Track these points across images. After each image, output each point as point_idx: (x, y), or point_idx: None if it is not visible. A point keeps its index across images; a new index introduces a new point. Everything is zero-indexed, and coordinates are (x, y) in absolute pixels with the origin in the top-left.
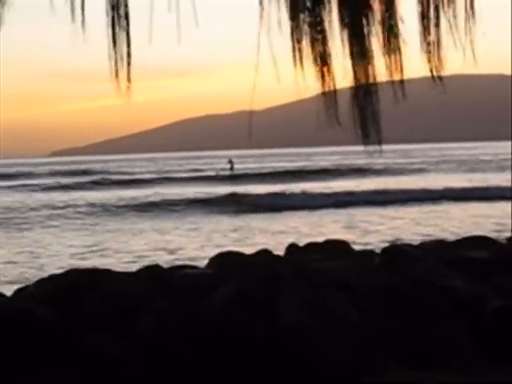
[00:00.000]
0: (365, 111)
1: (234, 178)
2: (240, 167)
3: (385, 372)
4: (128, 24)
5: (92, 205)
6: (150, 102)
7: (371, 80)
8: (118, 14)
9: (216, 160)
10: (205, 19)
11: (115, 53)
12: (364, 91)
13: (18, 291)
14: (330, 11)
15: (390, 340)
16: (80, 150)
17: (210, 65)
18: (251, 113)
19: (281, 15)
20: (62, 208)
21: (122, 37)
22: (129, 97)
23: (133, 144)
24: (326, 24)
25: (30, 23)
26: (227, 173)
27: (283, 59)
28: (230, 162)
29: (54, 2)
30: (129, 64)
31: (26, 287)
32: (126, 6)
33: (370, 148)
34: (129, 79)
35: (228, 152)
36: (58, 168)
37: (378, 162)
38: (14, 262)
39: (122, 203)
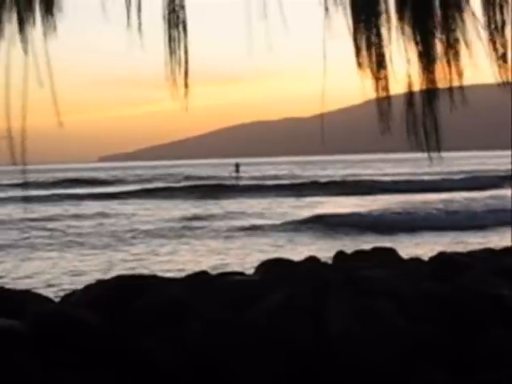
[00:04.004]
0: (425, 117)
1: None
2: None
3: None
4: (185, 30)
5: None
6: (197, 108)
7: (433, 85)
8: (176, 19)
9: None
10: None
11: (172, 58)
12: (425, 97)
13: (66, 297)
14: (388, 15)
15: (438, 348)
16: (128, 155)
17: (258, 71)
18: (322, 116)
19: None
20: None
21: (179, 43)
22: (186, 102)
23: (180, 150)
24: (384, 29)
25: (78, 30)
26: (233, 175)
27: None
28: (237, 166)
29: (107, 9)
30: (186, 70)
31: (74, 293)
32: (183, 10)
33: (430, 155)
34: (186, 85)
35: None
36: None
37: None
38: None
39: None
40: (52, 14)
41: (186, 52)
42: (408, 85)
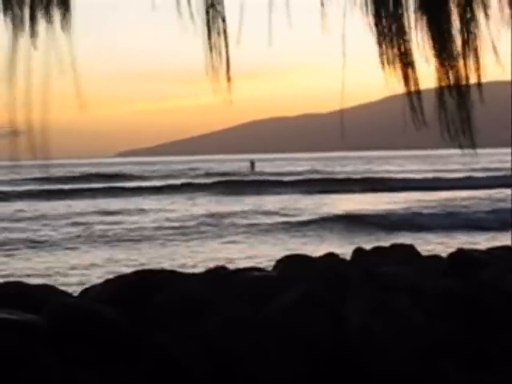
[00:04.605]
0: (455, 113)
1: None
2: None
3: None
4: (225, 22)
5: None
6: (214, 105)
7: (461, 81)
8: (215, 12)
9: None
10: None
11: (211, 52)
12: (454, 92)
13: (85, 291)
14: (409, 12)
15: (455, 345)
16: (146, 150)
17: (275, 67)
18: (342, 111)
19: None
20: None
21: (218, 36)
22: (229, 96)
23: (196, 146)
24: (407, 25)
25: (101, 24)
26: (249, 172)
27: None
28: (252, 162)
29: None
30: (228, 63)
31: (93, 287)
32: (222, 4)
33: (465, 152)
34: (228, 78)
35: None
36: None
37: None
38: None
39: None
40: (66, 9)
41: (226, 46)
42: (437, 80)
